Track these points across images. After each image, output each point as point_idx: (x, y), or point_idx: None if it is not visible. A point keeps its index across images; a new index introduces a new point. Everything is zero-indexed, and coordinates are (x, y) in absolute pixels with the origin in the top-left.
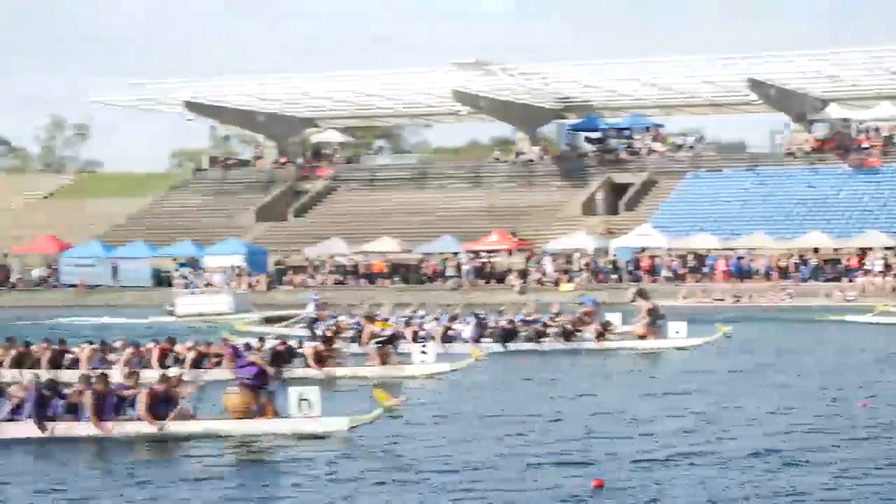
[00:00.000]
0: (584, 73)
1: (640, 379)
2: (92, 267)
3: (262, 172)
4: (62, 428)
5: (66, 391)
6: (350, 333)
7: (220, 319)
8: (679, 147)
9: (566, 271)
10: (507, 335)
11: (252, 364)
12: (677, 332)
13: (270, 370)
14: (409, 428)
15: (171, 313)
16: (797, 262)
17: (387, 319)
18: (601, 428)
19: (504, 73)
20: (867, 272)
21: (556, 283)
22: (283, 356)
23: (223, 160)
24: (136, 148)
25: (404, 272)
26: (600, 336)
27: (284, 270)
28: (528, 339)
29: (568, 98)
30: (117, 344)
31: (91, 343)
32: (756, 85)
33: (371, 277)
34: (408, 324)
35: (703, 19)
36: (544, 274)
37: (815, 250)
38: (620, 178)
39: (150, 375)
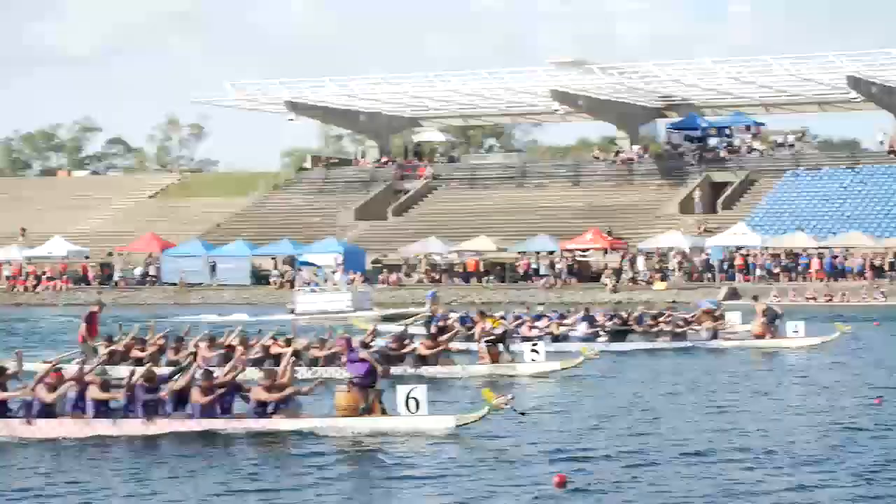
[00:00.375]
0: (685, 71)
1: (752, 377)
2: (191, 265)
3: (364, 172)
4: (168, 424)
5: (175, 386)
6: (462, 331)
7: (340, 317)
8: (780, 145)
9: (660, 270)
10: (620, 334)
11: (363, 360)
12: (795, 332)
13: (380, 368)
14: (517, 426)
15: (291, 311)
16: (892, 260)
17: (503, 317)
18: (713, 424)
19: (602, 71)
20: None
21: (649, 281)
22: (394, 354)
23: (325, 160)
24: (251, 148)
25: (499, 271)
26: (714, 335)
27: (381, 269)
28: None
29: (669, 97)
30: (234, 340)
31: (207, 339)
32: (856, 83)
33: (465, 276)
34: (519, 322)
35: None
36: (637, 273)
37: None
38: (719, 176)
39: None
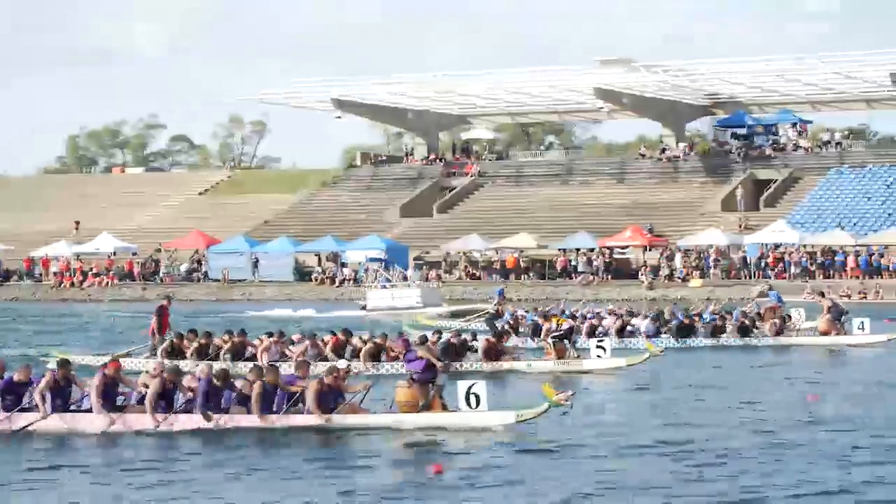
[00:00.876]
0: (732, 69)
1: (819, 374)
2: (235, 262)
3: (412, 169)
4: (229, 419)
5: (239, 382)
6: (527, 328)
7: (409, 313)
8: (826, 143)
9: (697, 267)
10: (685, 331)
11: (420, 358)
12: (861, 329)
13: (438, 364)
14: (578, 421)
15: (362, 307)
16: None
17: (564, 314)
18: (777, 423)
19: (648, 70)
20: None
21: (685, 278)
22: (455, 350)
23: (374, 157)
24: (313, 145)
25: (538, 268)
26: (778, 332)
27: (422, 266)
28: (706, 335)
29: (716, 94)
30: (295, 337)
31: (270, 335)
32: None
33: (504, 273)
34: (585, 319)
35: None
36: (674, 270)
37: None
38: (764, 174)
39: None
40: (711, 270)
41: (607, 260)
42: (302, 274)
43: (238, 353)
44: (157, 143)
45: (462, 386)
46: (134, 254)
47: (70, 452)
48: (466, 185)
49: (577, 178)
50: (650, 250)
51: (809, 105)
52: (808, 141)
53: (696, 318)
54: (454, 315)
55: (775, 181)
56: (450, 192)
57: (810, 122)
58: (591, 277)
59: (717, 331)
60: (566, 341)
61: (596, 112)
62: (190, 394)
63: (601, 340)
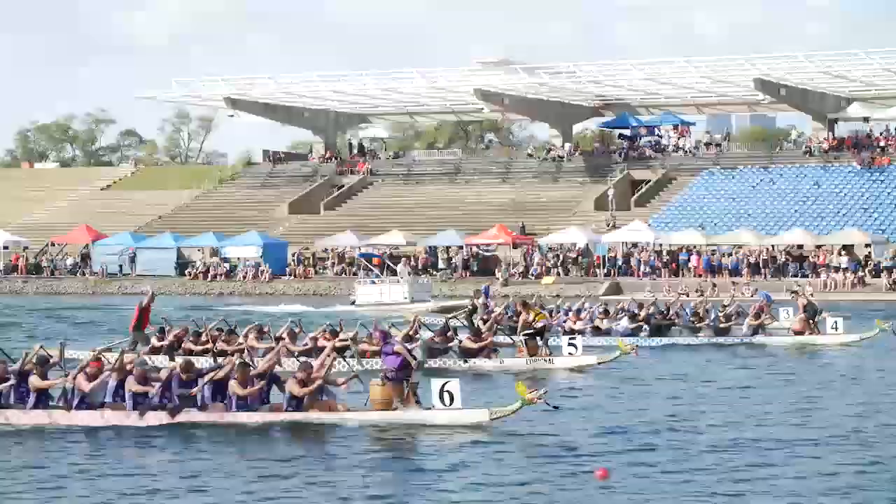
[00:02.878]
0: (618, 71)
1: (791, 373)
2: (115, 256)
3: (307, 167)
4: (203, 415)
5: (214, 378)
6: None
7: (397, 308)
8: (707, 145)
9: (556, 265)
10: (662, 328)
11: (397, 354)
12: (834, 328)
13: (414, 361)
14: (549, 419)
15: (352, 303)
16: (766, 258)
17: (546, 310)
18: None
19: (526, 72)
20: (837, 269)
21: (539, 276)
22: (436, 346)
23: (273, 154)
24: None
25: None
26: (757, 331)
27: (301, 262)
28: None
29: (604, 96)
30: (284, 333)
31: (220, 331)
32: (763, 85)
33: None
34: (552, 315)
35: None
36: (528, 267)
37: (800, 247)
38: (640, 174)
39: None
40: (561, 268)
41: (465, 257)
42: (183, 268)
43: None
44: (106, 138)
45: (436, 384)
46: (25, 248)
47: (51, 449)
48: (355, 183)
49: (464, 178)
50: (515, 248)
51: (695, 107)
52: (688, 142)
53: (675, 317)
54: (442, 311)
55: (649, 181)
56: (338, 189)
57: (693, 123)
58: (451, 274)
59: (693, 329)
60: (538, 339)
61: (480, 112)
62: (160, 388)
63: (573, 338)
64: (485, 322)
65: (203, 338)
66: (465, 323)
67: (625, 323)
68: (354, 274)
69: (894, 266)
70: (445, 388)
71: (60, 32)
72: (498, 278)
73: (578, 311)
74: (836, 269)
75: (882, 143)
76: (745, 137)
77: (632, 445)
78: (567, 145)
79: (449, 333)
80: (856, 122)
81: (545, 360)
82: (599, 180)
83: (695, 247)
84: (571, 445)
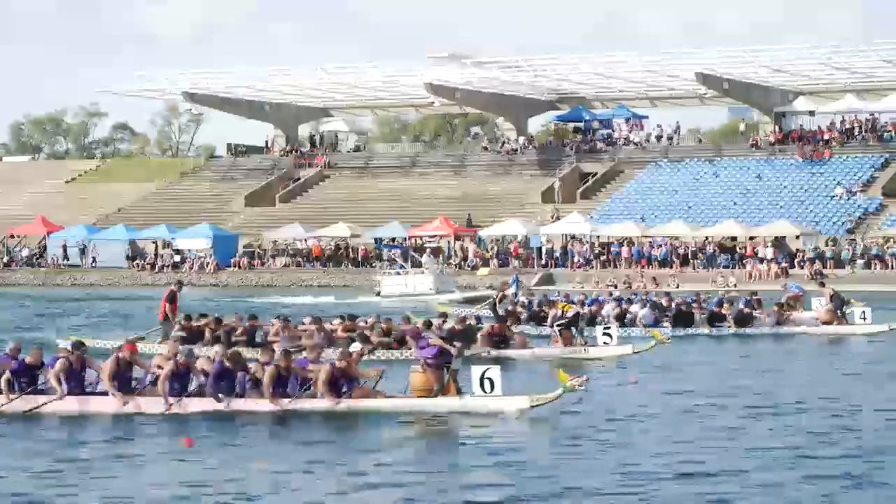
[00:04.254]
0: (573, 66)
1: (820, 362)
2: (71, 248)
3: (268, 160)
4: (242, 403)
5: (252, 366)
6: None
7: (423, 299)
8: (658, 138)
9: (497, 255)
10: (684, 319)
11: (431, 345)
12: (863, 318)
13: (452, 349)
14: (589, 407)
15: (377, 294)
16: (694, 249)
17: (571, 301)
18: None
19: (475, 66)
20: (762, 260)
21: (475, 267)
22: (462, 335)
23: (235, 147)
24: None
25: (341, 255)
26: (780, 321)
27: (253, 254)
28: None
29: (559, 90)
30: (306, 321)
31: (281, 319)
32: (706, 79)
33: (316, 261)
34: (584, 305)
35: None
36: (465, 258)
37: (734, 238)
38: (589, 167)
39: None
40: (494, 259)
41: (404, 249)
42: (135, 259)
43: (251, 338)
44: (99, 131)
45: (476, 371)
46: None
47: (84, 434)
48: (311, 176)
49: (419, 170)
50: (458, 240)
51: (648, 101)
52: (639, 135)
53: (696, 306)
54: (468, 301)
55: (596, 174)
56: (293, 182)
57: (646, 117)
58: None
59: (715, 319)
60: (573, 328)
61: (428, 106)
62: (203, 377)
63: (607, 328)
64: (511, 312)
65: (230, 328)
66: (490, 312)
67: (647, 313)
68: (298, 265)
69: (816, 258)
70: (486, 375)
71: (86, 22)
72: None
73: (599, 301)
74: (762, 260)
75: (826, 137)
76: (719, 131)
77: (666, 437)
78: (521, 139)
79: (469, 322)
80: (803, 116)
81: (581, 350)
82: (549, 173)
83: (626, 238)
84: (608, 433)
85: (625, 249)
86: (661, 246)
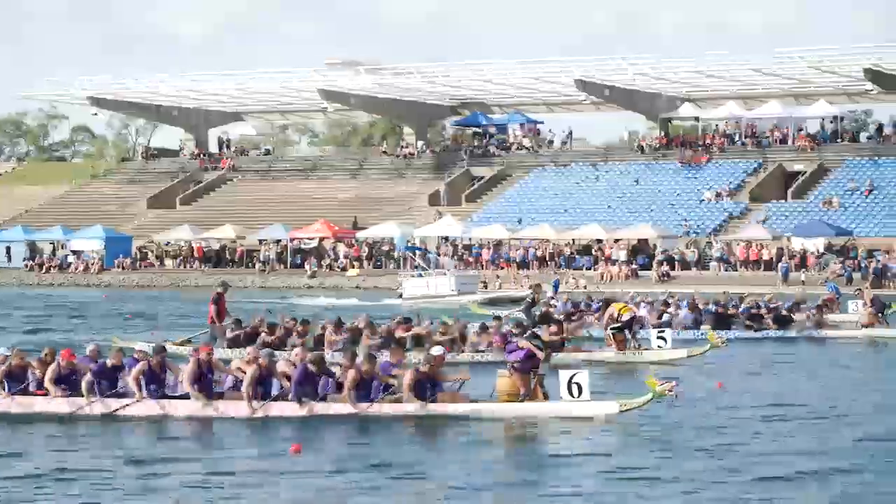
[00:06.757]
0: (474, 72)
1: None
2: None
3: (176, 163)
4: (324, 407)
5: (335, 370)
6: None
7: (445, 301)
8: (550, 143)
9: (369, 257)
10: (722, 321)
11: (520, 348)
12: None
13: (540, 353)
14: (678, 413)
15: (399, 296)
16: (551, 251)
17: (630, 303)
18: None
19: (369, 72)
20: (614, 262)
21: (344, 268)
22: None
23: (146, 150)
24: None
25: (216, 255)
26: (819, 324)
27: (145, 255)
28: (745, 327)
29: (460, 96)
30: (361, 324)
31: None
32: (585, 85)
33: (202, 261)
34: (641, 308)
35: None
36: (336, 260)
37: (599, 241)
38: (478, 171)
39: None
40: (367, 260)
41: (278, 250)
42: (33, 258)
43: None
44: (59, 134)
45: (564, 375)
46: None
47: (165, 438)
48: (213, 179)
49: (318, 174)
50: (339, 242)
51: (545, 106)
52: (532, 140)
53: (734, 310)
54: (491, 303)
55: (482, 178)
56: (195, 185)
57: (541, 122)
58: (265, 267)
59: (753, 320)
60: (626, 332)
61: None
62: (285, 381)
63: (662, 331)
64: (544, 316)
65: (279, 330)
66: (525, 316)
67: (686, 315)
68: (183, 266)
69: (665, 260)
70: (574, 380)
71: (103, 22)
72: (307, 270)
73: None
74: (614, 262)
75: (708, 142)
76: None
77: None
78: (420, 143)
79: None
80: (688, 122)
81: (635, 354)
82: (441, 176)
83: (493, 241)
84: (694, 439)
85: (485, 251)
86: (518, 249)
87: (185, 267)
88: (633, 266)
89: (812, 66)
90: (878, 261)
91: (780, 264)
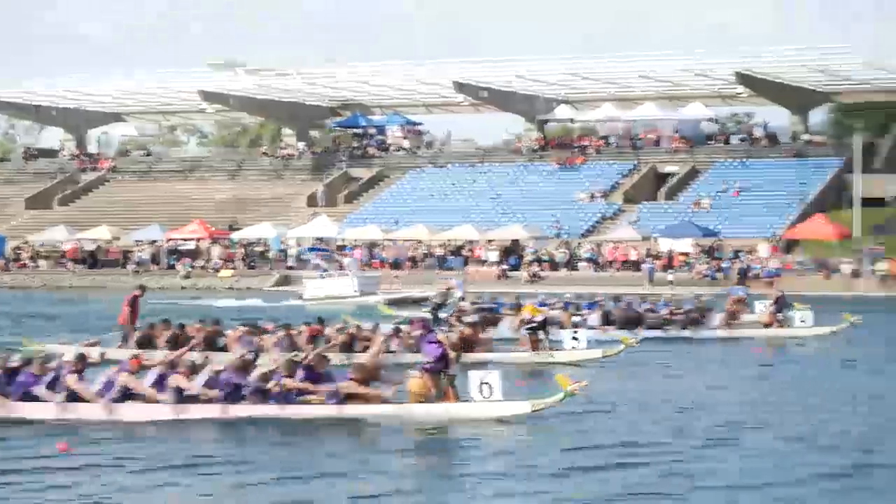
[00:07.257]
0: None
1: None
2: None
3: (55, 164)
4: (246, 409)
5: (260, 373)
6: (472, 318)
7: (346, 302)
8: (429, 145)
9: (244, 257)
10: (631, 323)
11: (439, 343)
12: (803, 321)
13: (452, 354)
14: (587, 411)
15: (300, 297)
16: (425, 252)
17: (543, 304)
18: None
19: (248, 74)
20: (484, 262)
21: (217, 269)
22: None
23: (26, 151)
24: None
25: (90, 256)
26: (725, 324)
27: (18, 256)
28: (652, 327)
29: (341, 98)
30: (268, 326)
31: (244, 325)
32: (462, 87)
33: (75, 262)
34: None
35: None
36: (209, 260)
37: (472, 241)
38: (357, 172)
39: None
40: (243, 261)
41: (153, 251)
42: None
43: (211, 343)
44: None
45: (474, 376)
46: None
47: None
48: (92, 180)
49: (197, 175)
50: (214, 243)
51: (424, 108)
52: (411, 142)
53: (647, 312)
54: (394, 303)
55: (361, 179)
56: (73, 185)
57: (421, 123)
58: (137, 267)
59: (665, 322)
60: (540, 332)
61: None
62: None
63: (576, 331)
64: (456, 317)
65: (189, 332)
66: (431, 317)
67: (595, 318)
68: (56, 266)
69: (534, 260)
70: (485, 380)
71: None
72: (178, 271)
73: (541, 305)
74: (484, 262)
75: (584, 143)
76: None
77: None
78: (301, 144)
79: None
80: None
81: (548, 355)
82: (319, 177)
83: (367, 242)
84: (603, 438)
85: (357, 252)
86: (389, 249)
87: (57, 268)
88: (504, 267)
89: (684, 69)
90: (742, 261)
91: (643, 265)
